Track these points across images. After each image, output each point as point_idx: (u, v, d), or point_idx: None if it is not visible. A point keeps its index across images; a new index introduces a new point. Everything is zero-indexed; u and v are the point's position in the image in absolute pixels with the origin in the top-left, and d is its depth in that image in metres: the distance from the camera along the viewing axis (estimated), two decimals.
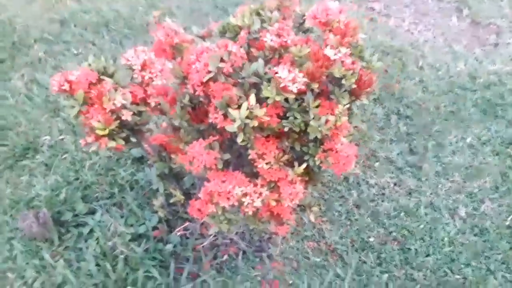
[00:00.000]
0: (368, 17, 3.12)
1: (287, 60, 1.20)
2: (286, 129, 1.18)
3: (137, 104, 1.25)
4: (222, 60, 1.18)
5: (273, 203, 1.26)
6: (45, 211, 1.72)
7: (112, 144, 1.14)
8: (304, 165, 1.26)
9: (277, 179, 1.25)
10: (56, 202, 1.85)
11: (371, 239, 1.81)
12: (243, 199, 1.21)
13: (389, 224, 1.86)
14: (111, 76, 1.32)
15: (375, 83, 1.29)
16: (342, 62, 1.16)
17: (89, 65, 1.30)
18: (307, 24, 1.33)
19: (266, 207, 1.28)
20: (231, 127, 1.11)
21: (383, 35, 2.94)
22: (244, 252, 1.75)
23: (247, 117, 1.08)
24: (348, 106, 1.25)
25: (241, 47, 1.36)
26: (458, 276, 1.70)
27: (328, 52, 1.11)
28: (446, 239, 1.82)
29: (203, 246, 1.76)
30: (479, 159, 2.14)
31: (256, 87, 1.21)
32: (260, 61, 1.18)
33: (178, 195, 1.55)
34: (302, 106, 1.17)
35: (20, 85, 2.43)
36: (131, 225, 1.79)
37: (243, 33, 1.34)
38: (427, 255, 1.77)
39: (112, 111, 1.13)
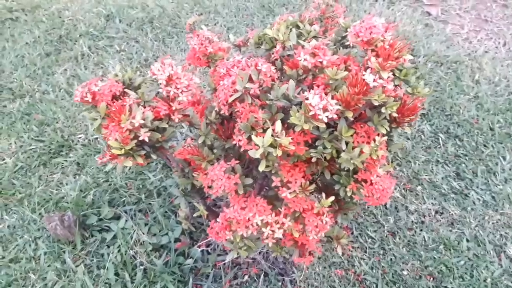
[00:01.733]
0: (423, 22, 2.92)
1: (321, 82, 1.10)
2: (314, 159, 1.08)
3: (160, 120, 1.19)
4: (250, 79, 1.09)
5: (296, 235, 1.17)
6: (70, 214, 1.72)
7: (129, 163, 1.09)
8: (332, 198, 1.15)
9: (302, 210, 1.17)
10: (83, 204, 1.85)
11: (405, 272, 1.67)
12: (263, 229, 1.13)
13: (426, 257, 1.71)
14: (137, 88, 1.28)
15: (419, 110, 1.16)
16: (383, 87, 1.04)
17: (115, 75, 1.25)
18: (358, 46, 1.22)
19: (289, 235, 1.19)
20: (254, 153, 1.03)
21: (438, 44, 2.73)
22: (266, 274, 1.67)
23: (271, 145, 1.00)
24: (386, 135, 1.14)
25: (273, 64, 1.27)
26: None
27: (367, 77, 0.99)
28: (488, 280, 1.65)
29: (224, 264, 1.69)
30: None
31: (285, 110, 1.12)
32: (291, 83, 1.09)
33: (202, 210, 1.49)
34: (334, 134, 1.07)
35: (62, 80, 2.46)
36: (154, 235, 1.76)
37: (278, 47, 1.24)
38: None
39: (130, 130, 1.07)
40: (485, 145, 2.13)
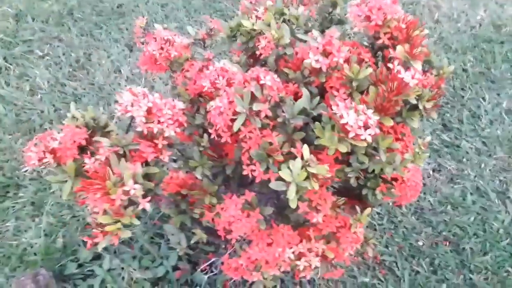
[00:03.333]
0: None
1: (338, 83, 0.91)
2: (352, 180, 0.91)
3: (147, 164, 0.95)
4: (252, 95, 0.87)
5: (331, 256, 1.02)
6: (44, 272, 1.45)
7: (127, 234, 0.86)
8: (368, 210, 1.01)
9: (335, 229, 1.01)
10: (54, 251, 1.58)
11: (420, 243, 1.60)
12: (298, 262, 0.97)
13: (437, 221, 1.65)
14: (104, 128, 1.01)
15: (442, 95, 1.01)
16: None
17: (73, 118, 0.97)
18: (350, 20, 1.01)
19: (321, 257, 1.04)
20: (279, 185, 0.83)
21: None
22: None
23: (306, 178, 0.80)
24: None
25: (256, 60, 1.06)
26: None
27: (404, 75, 0.81)
28: (501, 230, 1.62)
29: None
30: None
31: (301, 127, 0.93)
32: (305, 94, 0.88)
33: (199, 233, 1.29)
34: (369, 145, 0.89)
35: None
36: (147, 268, 1.54)
37: (263, 42, 1.01)
38: (485, 253, 1.58)
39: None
40: (462, 89, 2.06)
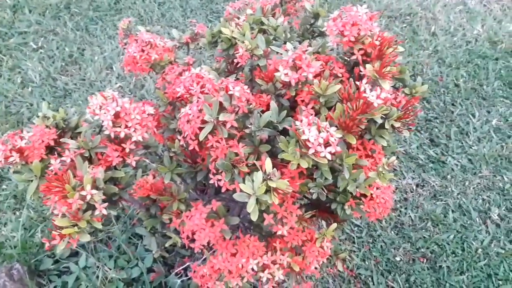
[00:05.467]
0: None
1: (307, 98, 0.90)
2: (315, 195, 0.91)
3: (115, 168, 0.95)
4: (221, 105, 0.87)
5: (297, 269, 1.02)
6: (18, 266, 1.46)
7: (86, 238, 0.86)
8: (334, 226, 1.00)
9: (302, 242, 1.01)
10: (32, 245, 1.58)
11: (398, 258, 1.60)
12: (261, 274, 0.97)
13: (416, 237, 1.64)
14: (75, 129, 1.01)
15: (418, 113, 1.01)
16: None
17: (44, 117, 0.97)
18: (324, 29, 1.00)
19: (286, 269, 1.04)
20: (242, 197, 0.83)
21: None
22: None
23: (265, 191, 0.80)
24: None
25: (236, 68, 1.06)
26: None
27: (369, 95, 0.80)
28: (479, 250, 1.61)
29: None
30: (509, 146, 1.90)
31: (268, 138, 0.92)
32: (273, 107, 0.88)
33: (174, 238, 1.29)
34: (334, 161, 0.89)
35: None
36: (122, 268, 1.54)
37: (241, 51, 1.01)
38: (461, 273, 1.57)
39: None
40: (453, 104, 2.05)
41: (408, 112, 0.96)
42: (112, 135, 0.90)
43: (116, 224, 1.65)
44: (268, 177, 0.80)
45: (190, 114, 0.89)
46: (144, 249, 1.58)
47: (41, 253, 1.57)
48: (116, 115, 0.90)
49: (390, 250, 1.62)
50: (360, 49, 0.94)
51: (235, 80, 0.99)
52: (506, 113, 2.01)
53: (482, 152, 1.88)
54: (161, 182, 1.10)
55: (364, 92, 0.81)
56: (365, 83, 0.84)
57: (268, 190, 0.80)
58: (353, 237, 1.65)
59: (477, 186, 1.79)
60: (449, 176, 1.81)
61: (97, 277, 1.52)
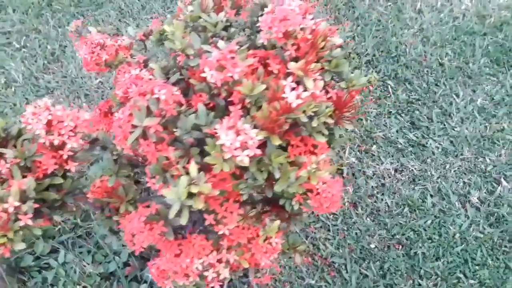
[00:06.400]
0: None
1: (238, 98, 0.89)
2: (244, 197, 0.90)
3: (52, 175, 0.96)
4: (149, 110, 0.87)
5: (246, 265, 1.03)
6: None
7: (21, 246, 0.88)
8: (278, 223, 1.00)
9: (247, 240, 1.01)
10: None
11: (372, 246, 1.59)
12: (206, 273, 0.98)
13: (391, 224, 1.62)
14: (18, 137, 1.02)
15: (357, 107, 0.98)
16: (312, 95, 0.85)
17: None
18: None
19: (236, 266, 1.05)
20: (171, 200, 0.83)
21: None
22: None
23: (189, 195, 0.80)
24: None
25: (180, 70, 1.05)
26: (472, 281, 1.49)
27: (289, 95, 0.79)
28: (457, 235, 1.59)
29: None
30: (493, 126, 1.85)
31: (201, 141, 0.92)
32: (201, 108, 0.87)
33: None
34: (263, 162, 0.88)
35: None
36: (100, 263, 1.59)
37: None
38: (437, 259, 1.55)
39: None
40: (436, 85, 2.00)
41: (343, 107, 0.94)
42: (47, 143, 0.91)
43: (95, 220, 1.69)
44: (193, 181, 0.80)
45: (120, 119, 0.90)
46: (122, 244, 1.61)
47: (22, 250, 1.62)
48: (49, 123, 0.91)
49: (365, 237, 1.61)
50: (293, 44, 0.92)
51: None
52: (492, 91, 1.95)
53: (464, 133, 1.83)
54: (117, 184, 1.11)
55: (283, 91, 0.79)
56: (291, 81, 0.82)
57: (193, 194, 0.80)
58: (328, 225, 1.64)
59: (458, 169, 1.75)
60: (429, 160, 1.78)
61: (75, 272, 1.56)
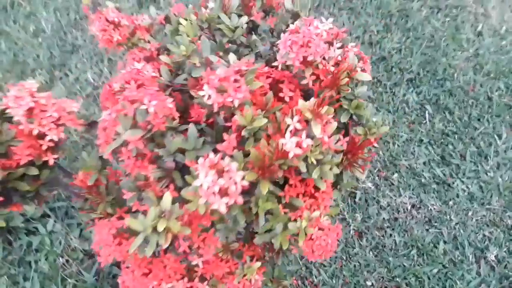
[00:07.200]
0: None
1: (235, 126, 0.78)
2: (221, 239, 0.80)
3: (31, 164, 0.89)
4: (134, 121, 0.77)
5: None
6: None
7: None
8: (258, 264, 0.91)
9: (222, 275, 0.93)
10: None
11: (369, 283, 1.48)
12: None
13: (395, 264, 1.50)
14: (1, 114, 0.95)
15: (373, 156, 0.86)
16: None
17: None
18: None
19: None
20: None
21: None
22: None
23: (155, 228, 0.71)
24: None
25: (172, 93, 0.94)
26: None
27: (287, 144, 0.67)
28: None
29: None
30: None
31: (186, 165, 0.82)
32: (191, 131, 0.77)
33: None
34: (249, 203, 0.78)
35: None
36: (87, 239, 1.55)
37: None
38: None
39: None
40: (479, 120, 1.81)
41: (356, 153, 0.82)
42: (26, 131, 0.84)
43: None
44: (163, 214, 0.71)
45: (106, 121, 0.81)
46: None
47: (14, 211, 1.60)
48: (31, 110, 0.83)
49: (363, 272, 1.49)
50: (312, 73, 0.79)
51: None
52: None
53: (497, 181, 1.66)
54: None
55: (283, 135, 0.68)
56: (296, 121, 0.71)
57: (158, 230, 0.71)
58: None
59: (481, 219, 1.59)
60: (451, 202, 1.62)
61: (60, 243, 1.53)
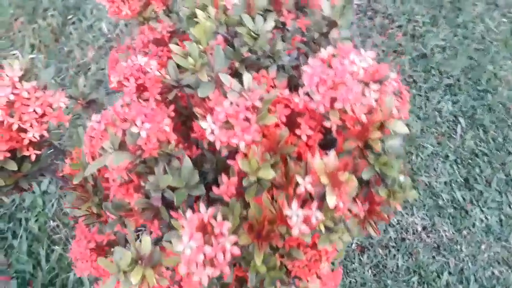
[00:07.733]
0: None
1: (238, 167, 0.66)
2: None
3: (10, 157, 0.80)
4: (123, 142, 0.66)
5: None
6: None
7: None
8: None
9: None
10: None
11: None
12: None
13: None
14: None
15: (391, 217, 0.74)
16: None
17: None
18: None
19: None
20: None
21: None
22: None
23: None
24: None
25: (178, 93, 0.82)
26: None
27: (290, 214, 0.56)
28: None
29: None
30: None
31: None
32: (185, 165, 0.66)
33: None
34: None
35: None
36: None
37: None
38: None
39: None
40: None
41: (372, 214, 0.70)
42: (5, 124, 0.74)
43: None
44: (141, 259, 0.62)
45: (94, 130, 0.71)
46: None
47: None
48: (9, 104, 0.73)
49: None
50: (340, 118, 0.66)
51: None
52: None
53: None
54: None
55: (293, 187, 0.57)
56: (308, 183, 0.59)
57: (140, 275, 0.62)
58: None
59: (493, 255, 1.49)
60: (465, 231, 1.51)
61: (52, 205, 1.48)
